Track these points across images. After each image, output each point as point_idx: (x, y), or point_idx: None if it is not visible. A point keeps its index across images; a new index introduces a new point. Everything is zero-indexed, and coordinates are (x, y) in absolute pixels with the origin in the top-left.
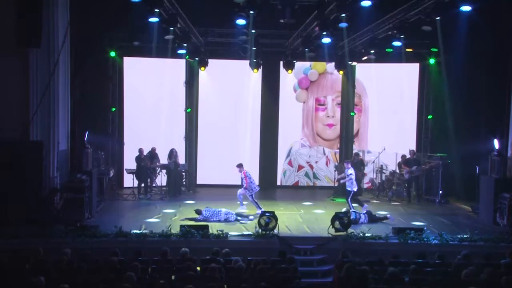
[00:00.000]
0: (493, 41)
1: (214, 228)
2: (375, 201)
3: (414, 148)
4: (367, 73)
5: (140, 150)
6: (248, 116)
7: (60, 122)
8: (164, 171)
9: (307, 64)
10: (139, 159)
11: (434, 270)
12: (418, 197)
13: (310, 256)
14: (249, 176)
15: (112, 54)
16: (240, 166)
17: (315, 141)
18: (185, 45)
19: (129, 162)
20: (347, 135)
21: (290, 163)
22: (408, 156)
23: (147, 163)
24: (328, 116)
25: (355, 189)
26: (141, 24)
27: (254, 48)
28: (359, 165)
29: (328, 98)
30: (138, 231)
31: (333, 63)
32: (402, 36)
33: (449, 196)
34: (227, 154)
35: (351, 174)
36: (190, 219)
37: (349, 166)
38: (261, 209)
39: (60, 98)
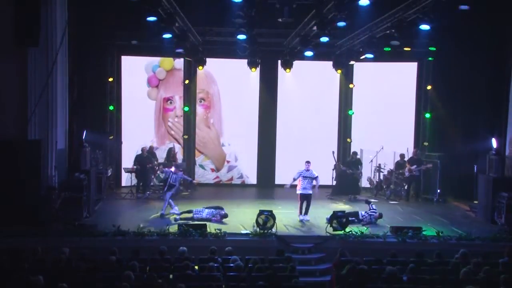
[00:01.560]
0: (491, 41)
1: (212, 227)
2: (373, 200)
3: (412, 147)
4: (365, 72)
5: (143, 149)
6: (246, 115)
7: (58, 121)
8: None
9: (155, 61)
10: (140, 157)
11: (432, 269)
12: (416, 196)
13: (308, 255)
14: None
15: (110, 53)
16: (176, 167)
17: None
18: (183, 44)
19: (127, 161)
20: (344, 134)
21: None
22: (409, 154)
23: (146, 163)
24: (177, 116)
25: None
26: (139, 23)
27: (252, 47)
28: (357, 164)
29: (175, 97)
30: (136, 230)
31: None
32: (400, 35)
33: (447, 195)
34: (225, 153)
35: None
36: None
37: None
38: (162, 210)
39: (58, 97)
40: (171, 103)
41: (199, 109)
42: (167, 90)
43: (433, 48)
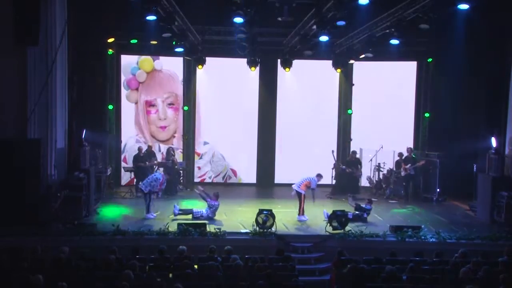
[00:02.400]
0: (491, 39)
1: (212, 226)
2: (372, 199)
3: (411, 146)
4: (365, 71)
5: (139, 149)
6: (246, 114)
7: (57, 120)
8: (161, 169)
9: (134, 61)
10: (137, 157)
11: (431, 268)
12: (416, 195)
13: (307, 254)
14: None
15: (110, 52)
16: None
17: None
18: (182, 43)
19: (127, 160)
20: (344, 134)
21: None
22: (406, 154)
23: (145, 162)
24: (160, 119)
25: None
26: (139, 22)
27: (251, 46)
28: (356, 163)
29: (158, 100)
30: (135, 229)
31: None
32: (399, 34)
33: (446, 194)
34: (225, 152)
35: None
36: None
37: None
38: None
39: (58, 96)
40: (153, 106)
41: (170, 112)
42: (149, 93)
43: (433, 48)
